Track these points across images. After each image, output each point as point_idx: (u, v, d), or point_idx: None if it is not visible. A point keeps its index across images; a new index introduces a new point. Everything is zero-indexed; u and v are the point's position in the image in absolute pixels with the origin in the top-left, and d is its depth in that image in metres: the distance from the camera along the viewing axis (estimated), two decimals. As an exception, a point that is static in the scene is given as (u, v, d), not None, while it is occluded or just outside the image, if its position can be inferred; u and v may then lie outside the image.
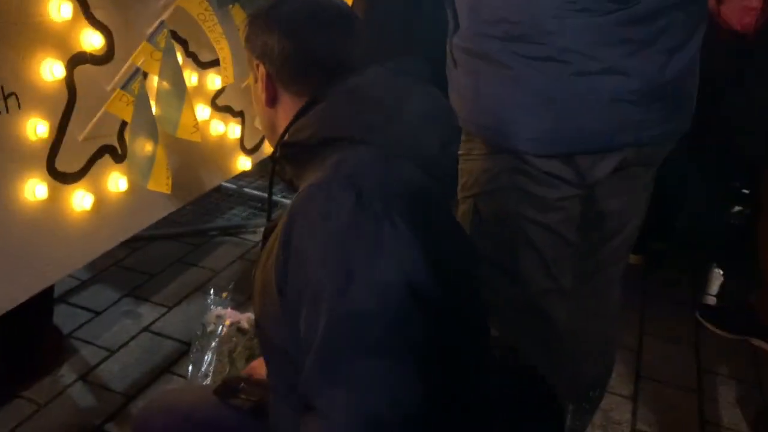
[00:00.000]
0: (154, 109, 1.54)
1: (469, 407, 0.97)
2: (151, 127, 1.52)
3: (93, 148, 1.50)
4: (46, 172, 1.39)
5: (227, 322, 1.81)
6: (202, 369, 1.76)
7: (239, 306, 2.33)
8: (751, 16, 2.29)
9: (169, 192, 1.60)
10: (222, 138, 1.95)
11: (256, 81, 1.11)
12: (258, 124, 2.06)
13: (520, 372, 1.15)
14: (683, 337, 2.47)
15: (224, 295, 1.96)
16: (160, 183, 1.57)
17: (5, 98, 1.27)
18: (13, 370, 1.98)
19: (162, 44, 1.47)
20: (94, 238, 1.54)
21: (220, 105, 1.90)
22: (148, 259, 2.77)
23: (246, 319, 1.81)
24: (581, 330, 1.52)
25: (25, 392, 1.97)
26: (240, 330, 1.79)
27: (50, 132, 1.37)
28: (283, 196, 3.15)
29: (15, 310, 1.36)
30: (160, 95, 1.55)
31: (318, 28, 1.05)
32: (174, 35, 1.59)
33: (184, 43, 1.71)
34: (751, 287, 2.40)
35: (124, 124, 1.55)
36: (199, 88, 1.81)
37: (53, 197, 1.41)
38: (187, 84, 1.61)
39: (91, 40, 1.41)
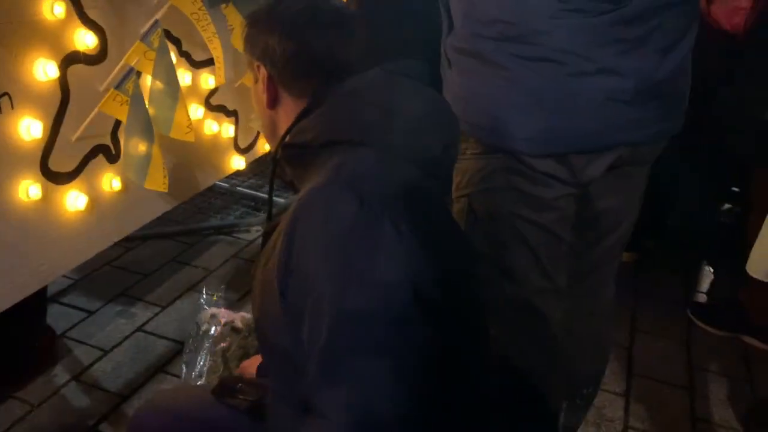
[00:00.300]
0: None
1: (468, 407, 0.98)
2: (146, 127, 1.51)
3: (86, 148, 1.49)
4: (40, 173, 1.38)
5: (221, 322, 1.81)
6: (196, 369, 1.76)
7: (233, 305, 2.34)
8: (741, 16, 2.31)
9: (166, 190, 1.60)
10: (216, 137, 1.95)
11: (256, 82, 1.11)
12: (253, 123, 2.06)
13: (517, 371, 1.16)
14: (675, 335, 2.49)
15: (218, 294, 1.96)
16: (157, 182, 1.57)
17: (-2, 98, 1.27)
18: (6, 370, 1.97)
19: (156, 44, 1.47)
20: (88, 238, 1.54)
21: (213, 104, 1.90)
22: (141, 258, 2.76)
23: (240, 318, 1.81)
24: (576, 328, 1.53)
25: (17, 392, 1.96)
26: (234, 329, 1.79)
27: (43, 132, 1.36)
28: (277, 195, 3.15)
29: (7, 310, 1.36)
30: (153, 95, 1.54)
31: (319, 29, 1.05)
32: (167, 34, 1.59)
33: (177, 42, 1.70)
34: (741, 285, 2.42)
35: (117, 123, 1.54)
36: (193, 88, 1.80)
37: (47, 197, 1.40)
38: (181, 83, 1.61)
39: (85, 40, 1.40)
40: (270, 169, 1.11)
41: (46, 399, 1.96)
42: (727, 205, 3.41)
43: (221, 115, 1.95)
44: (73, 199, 1.46)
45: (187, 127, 1.59)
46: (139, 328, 2.32)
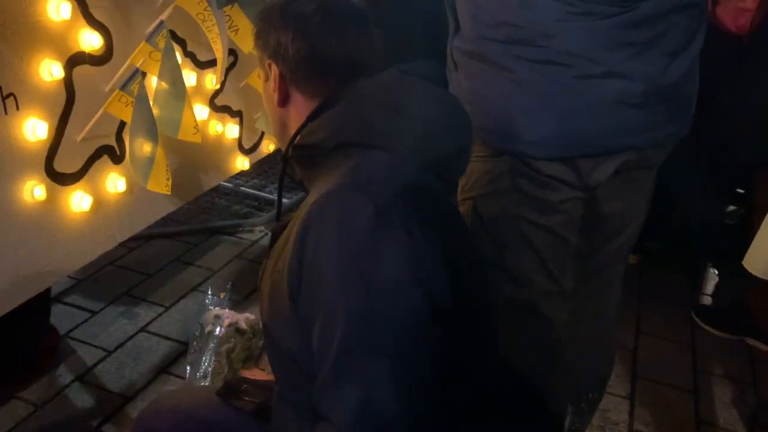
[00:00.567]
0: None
1: (472, 407, 0.98)
2: (151, 128, 1.51)
3: (91, 149, 1.49)
4: (45, 173, 1.38)
5: (225, 323, 1.80)
6: (201, 369, 1.75)
7: (237, 306, 2.33)
8: (746, 18, 2.30)
9: (169, 193, 1.60)
10: (220, 138, 1.95)
11: (267, 80, 1.10)
12: (257, 124, 2.06)
13: (518, 372, 1.16)
14: (679, 337, 2.48)
15: (222, 295, 1.95)
16: (160, 184, 1.57)
17: (3, 99, 1.27)
18: (10, 370, 1.97)
19: (161, 44, 1.47)
20: (93, 239, 1.54)
21: (218, 105, 1.90)
22: (145, 258, 2.76)
23: (244, 319, 1.81)
24: (581, 331, 1.53)
25: (21, 393, 1.96)
26: (238, 330, 1.78)
27: (49, 133, 1.36)
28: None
29: (12, 311, 1.36)
30: (159, 96, 1.54)
31: (334, 28, 1.03)
32: (172, 35, 1.58)
33: (182, 43, 1.70)
34: (745, 287, 2.41)
35: (122, 124, 1.54)
36: (198, 88, 1.80)
37: (52, 198, 1.40)
38: (186, 84, 1.61)
39: (90, 40, 1.40)
40: (280, 169, 1.10)
41: (50, 399, 1.95)
42: (731, 207, 3.40)
43: (226, 116, 1.95)
44: (78, 200, 1.46)
45: (194, 128, 1.59)
46: (143, 329, 2.32)
